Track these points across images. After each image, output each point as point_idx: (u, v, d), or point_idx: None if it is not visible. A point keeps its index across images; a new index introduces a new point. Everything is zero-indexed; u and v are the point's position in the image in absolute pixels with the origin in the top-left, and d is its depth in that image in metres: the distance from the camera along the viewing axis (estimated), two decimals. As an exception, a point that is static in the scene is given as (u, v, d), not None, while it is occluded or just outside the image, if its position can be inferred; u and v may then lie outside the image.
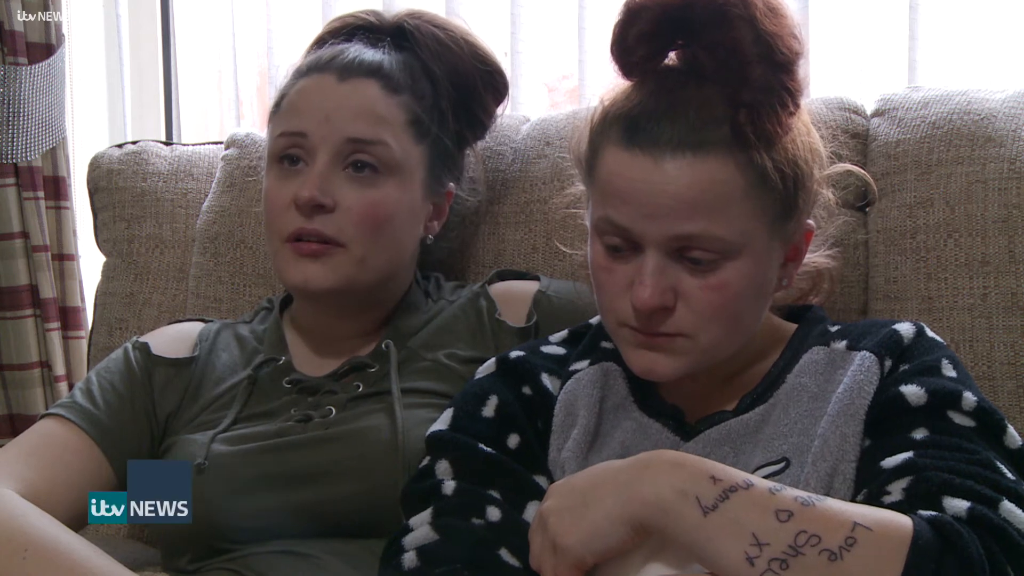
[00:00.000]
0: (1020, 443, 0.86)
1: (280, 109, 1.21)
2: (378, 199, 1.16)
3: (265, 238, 1.23)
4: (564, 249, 1.27)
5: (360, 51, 1.20)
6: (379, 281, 1.20)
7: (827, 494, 0.84)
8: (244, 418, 1.16)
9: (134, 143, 1.65)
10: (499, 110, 1.33)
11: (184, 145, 1.69)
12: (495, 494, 0.93)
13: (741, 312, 0.92)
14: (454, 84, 1.25)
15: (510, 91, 1.35)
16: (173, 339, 1.26)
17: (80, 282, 2.02)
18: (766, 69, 0.86)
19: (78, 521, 1.09)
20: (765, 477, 0.84)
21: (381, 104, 1.17)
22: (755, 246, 0.90)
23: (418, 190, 1.21)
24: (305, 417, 1.14)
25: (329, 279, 1.15)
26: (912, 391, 0.87)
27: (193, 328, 1.29)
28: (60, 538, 1.01)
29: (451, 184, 1.27)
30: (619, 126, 0.91)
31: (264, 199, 1.20)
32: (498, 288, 1.27)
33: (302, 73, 1.21)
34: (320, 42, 1.28)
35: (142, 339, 1.25)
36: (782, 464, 0.89)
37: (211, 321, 1.32)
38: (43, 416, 1.17)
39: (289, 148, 1.17)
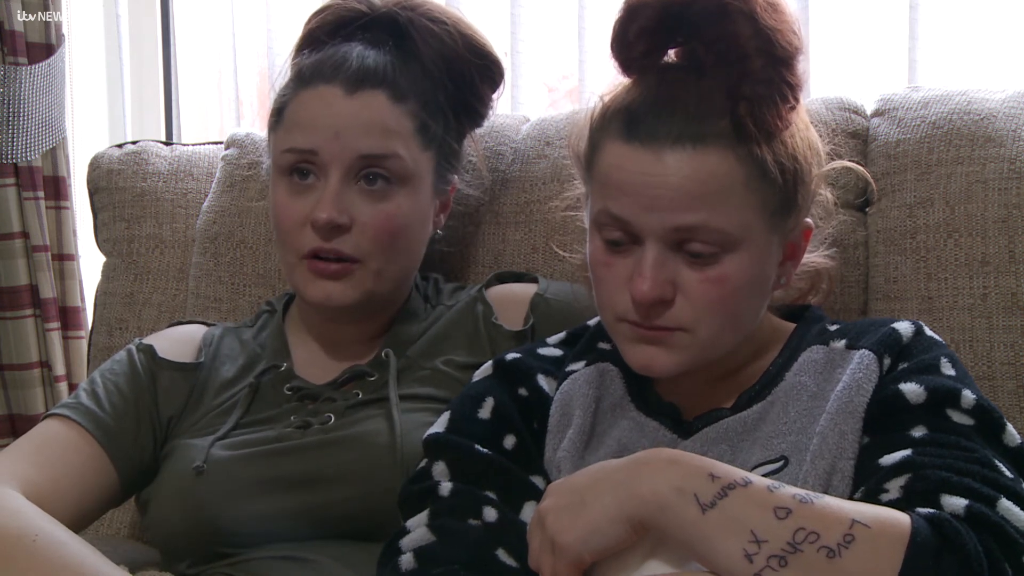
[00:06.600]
0: (1019, 441, 0.86)
1: (283, 120, 1.19)
2: (392, 212, 1.16)
3: (277, 249, 1.22)
4: (560, 252, 1.27)
5: (362, 56, 1.18)
6: (395, 288, 1.21)
7: (825, 492, 0.83)
8: (245, 424, 1.16)
9: (134, 143, 1.65)
10: (495, 96, 1.32)
11: (184, 145, 1.68)
12: (491, 495, 0.93)
13: (740, 306, 0.92)
14: (451, 80, 1.24)
15: (510, 91, 1.35)
16: (177, 342, 1.26)
17: (80, 282, 2.02)
18: (766, 62, 0.87)
19: (80, 521, 1.10)
20: (764, 475, 0.84)
21: (390, 116, 1.16)
22: (754, 240, 0.90)
23: (427, 193, 1.21)
24: (304, 424, 1.14)
25: (349, 296, 1.15)
26: (911, 389, 0.87)
27: (196, 331, 1.29)
28: (60, 537, 1.00)
29: (454, 177, 1.27)
30: (619, 120, 0.91)
31: (275, 213, 1.18)
32: (495, 292, 1.27)
33: (304, 81, 1.18)
34: (313, 39, 1.24)
35: (146, 341, 1.24)
36: (780, 462, 0.89)
37: (213, 325, 1.32)
38: (47, 416, 1.17)
39: (298, 164, 1.16)
